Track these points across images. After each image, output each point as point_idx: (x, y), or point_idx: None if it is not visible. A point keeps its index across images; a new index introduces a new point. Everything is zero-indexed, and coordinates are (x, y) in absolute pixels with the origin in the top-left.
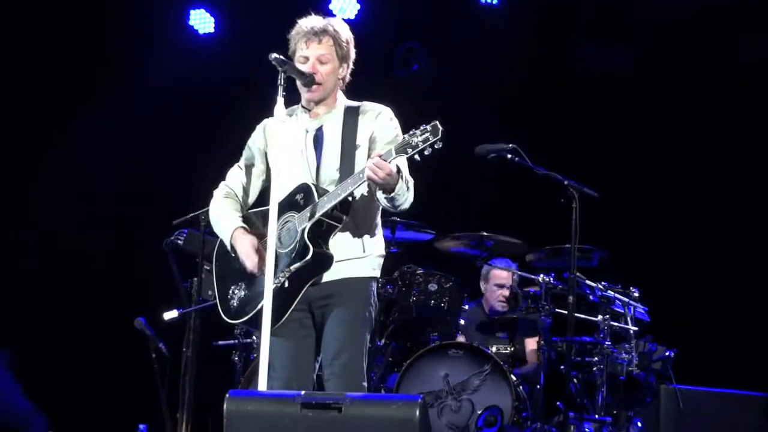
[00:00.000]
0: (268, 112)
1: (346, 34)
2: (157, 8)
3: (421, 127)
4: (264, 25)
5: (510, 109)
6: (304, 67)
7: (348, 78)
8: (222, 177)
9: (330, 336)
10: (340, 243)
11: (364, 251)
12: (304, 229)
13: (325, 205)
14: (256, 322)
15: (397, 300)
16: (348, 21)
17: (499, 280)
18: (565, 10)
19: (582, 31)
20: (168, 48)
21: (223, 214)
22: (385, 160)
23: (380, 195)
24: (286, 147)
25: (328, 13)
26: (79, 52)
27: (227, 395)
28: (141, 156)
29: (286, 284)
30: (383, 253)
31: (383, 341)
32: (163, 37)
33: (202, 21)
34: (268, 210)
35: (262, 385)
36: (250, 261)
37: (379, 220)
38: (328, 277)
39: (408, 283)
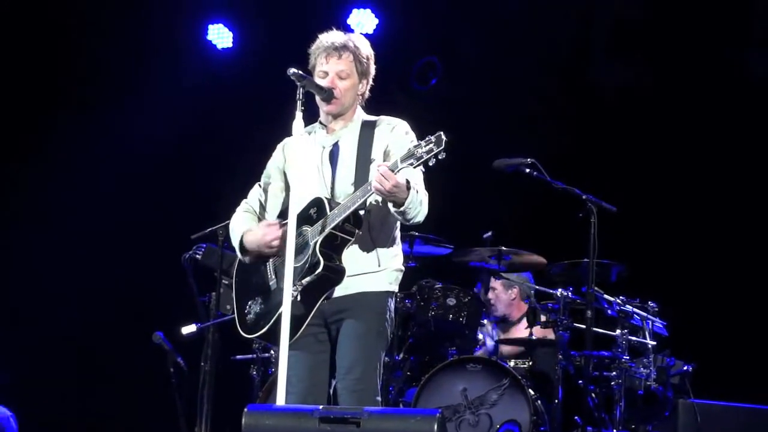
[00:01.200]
0: (287, 127)
1: (367, 50)
2: (176, 23)
3: (426, 138)
4: (283, 41)
5: (528, 123)
6: (323, 82)
7: (368, 94)
8: (239, 190)
9: (343, 350)
10: (355, 257)
11: (379, 265)
12: (316, 243)
13: (335, 218)
14: (270, 337)
15: (415, 314)
16: (366, 35)
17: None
18: (583, 24)
19: (600, 45)
20: (186, 63)
21: (238, 226)
22: (392, 171)
23: (391, 207)
24: (303, 162)
25: (346, 28)
26: (96, 65)
27: (245, 409)
28: (159, 170)
29: (299, 298)
30: (401, 267)
31: (401, 356)
32: (182, 52)
33: (220, 36)
34: (284, 224)
35: (281, 399)
36: (269, 236)
37: (397, 233)
38: (342, 291)
39: (426, 297)
